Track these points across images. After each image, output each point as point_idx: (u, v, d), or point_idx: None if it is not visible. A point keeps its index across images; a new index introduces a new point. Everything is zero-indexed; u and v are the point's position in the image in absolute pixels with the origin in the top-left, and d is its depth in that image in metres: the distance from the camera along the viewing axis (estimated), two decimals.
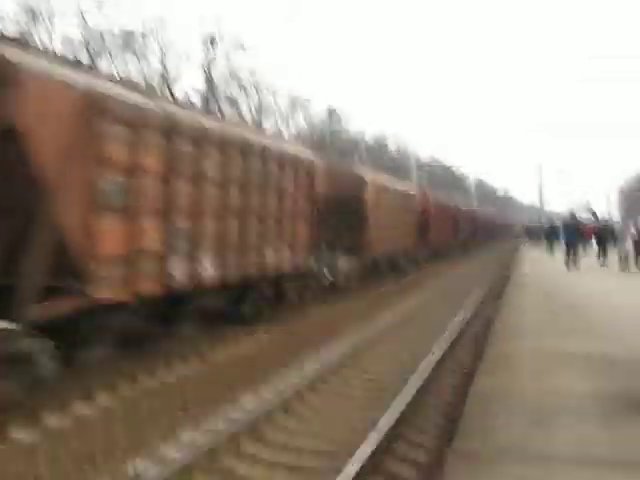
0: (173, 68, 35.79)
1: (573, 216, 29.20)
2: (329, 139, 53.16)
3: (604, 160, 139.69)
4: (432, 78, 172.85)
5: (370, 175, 20.11)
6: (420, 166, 72.17)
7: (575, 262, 23.97)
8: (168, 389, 7.83)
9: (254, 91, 41.63)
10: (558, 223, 39.32)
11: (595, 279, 19.80)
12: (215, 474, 5.39)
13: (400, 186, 24.59)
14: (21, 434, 6.10)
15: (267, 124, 43.64)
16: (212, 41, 36.11)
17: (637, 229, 23.54)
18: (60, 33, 31.18)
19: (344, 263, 17.38)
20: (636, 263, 22.71)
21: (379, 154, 66.33)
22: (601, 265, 24.71)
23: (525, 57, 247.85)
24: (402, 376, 8.39)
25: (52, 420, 6.51)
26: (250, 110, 42.68)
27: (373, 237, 19.24)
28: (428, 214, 29.82)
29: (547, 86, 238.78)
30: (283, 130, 46.16)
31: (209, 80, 37.56)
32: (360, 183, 18.43)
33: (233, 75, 38.87)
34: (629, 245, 23.84)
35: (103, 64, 31.20)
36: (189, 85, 38.48)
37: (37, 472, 5.29)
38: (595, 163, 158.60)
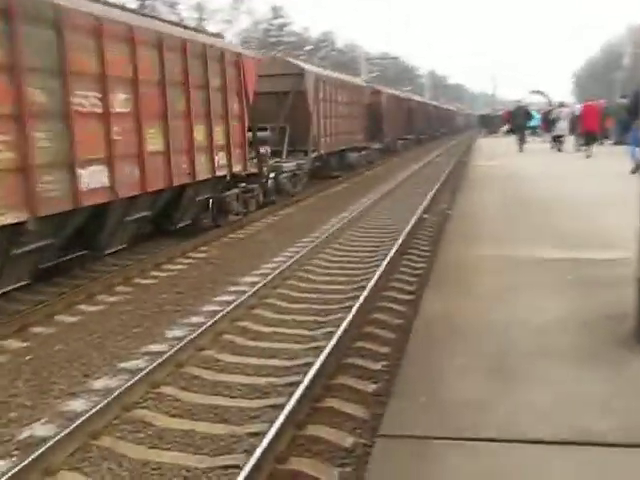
0: None
1: (519, 104, 32.29)
2: (274, 36, 51.10)
3: (558, 47, 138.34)
4: None
5: (310, 67, 18.71)
6: (370, 60, 70.22)
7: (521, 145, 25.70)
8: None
9: None
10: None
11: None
12: None
13: (347, 79, 23.15)
14: None
15: (210, 26, 41.93)
16: None
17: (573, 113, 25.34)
18: None
19: (289, 164, 16.27)
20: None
21: (327, 50, 64.33)
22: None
23: None
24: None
25: None
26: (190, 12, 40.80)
27: (319, 133, 18.06)
28: (379, 108, 28.59)
29: None
30: (226, 32, 44.22)
31: None
32: (300, 76, 17.03)
33: None
34: (563, 127, 25.06)
35: None
36: None
37: None
38: (549, 50, 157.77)
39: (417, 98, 44.91)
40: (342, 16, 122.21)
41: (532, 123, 31.00)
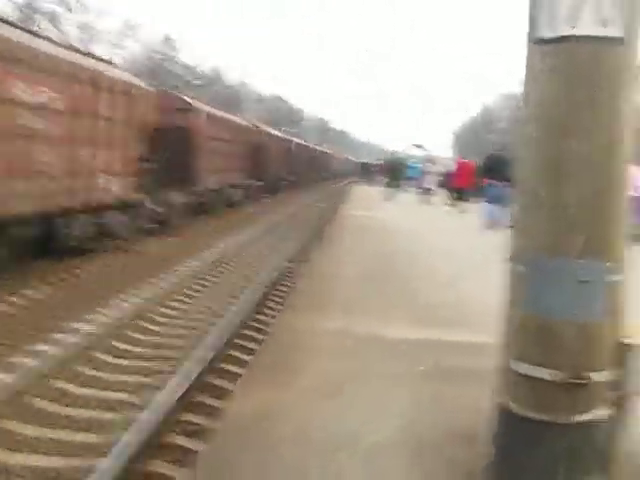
0: None
1: (394, 156, 35.21)
2: (164, 67, 50.51)
3: (440, 106, 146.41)
4: (270, 15, 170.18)
5: (197, 103, 19.31)
6: (260, 100, 71.13)
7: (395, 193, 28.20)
8: None
9: (79, 8, 37.79)
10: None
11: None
12: None
13: (232, 117, 23.94)
14: None
15: (97, 49, 39.72)
16: None
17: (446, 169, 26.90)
18: None
19: (174, 196, 16.66)
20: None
21: (216, 85, 64.30)
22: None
23: None
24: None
25: None
26: (76, 31, 39.19)
27: (201, 169, 18.59)
28: (262, 147, 29.47)
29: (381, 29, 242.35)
30: (115, 56, 43.13)
31: None
32: (186, 111, 17.59)
33: None
34: (430, 181, 27.05)
35: None
36: None
37: None
38: (433, 107, 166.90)
39: (299, 141, 46.27)
40: (233, 54, 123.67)
41: (411, 174, 32.68)
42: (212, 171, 19.70)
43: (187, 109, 17.96)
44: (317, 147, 57.33)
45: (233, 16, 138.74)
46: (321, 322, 6.59)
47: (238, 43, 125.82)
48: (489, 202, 16.36)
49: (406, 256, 11.86)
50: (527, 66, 2.76)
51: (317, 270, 10.35)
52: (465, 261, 11.07)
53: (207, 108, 20.54)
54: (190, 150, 17.77)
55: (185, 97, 19.66)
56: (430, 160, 32.20)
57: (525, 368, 2.75)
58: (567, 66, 2.62)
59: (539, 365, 2.71)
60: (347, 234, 15.02)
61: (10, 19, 12.42)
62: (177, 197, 16.86)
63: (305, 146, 48.56)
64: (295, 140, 43.97)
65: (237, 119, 25.27)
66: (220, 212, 21.17)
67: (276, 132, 35.75)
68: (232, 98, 61.07)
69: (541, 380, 2.70)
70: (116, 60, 41.52)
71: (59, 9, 36.37)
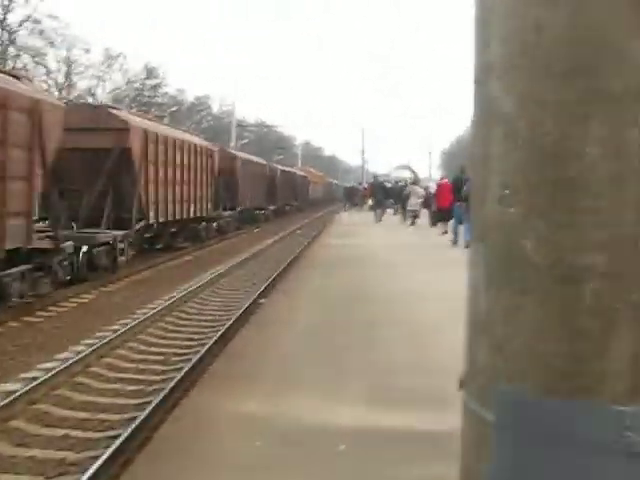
0: None
1: (377, 179, 36.48)
2: (147, 96, 49.09)
3: (427, 125, 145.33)
4: (257, 40, 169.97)
5: (138, 120, 16.28)
6: (245, 127, 69.21)
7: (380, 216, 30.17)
8: None
9: (62, 43, 36.19)
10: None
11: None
12: None
13: (191, 138, 20.81)
14: None
15: (80, 81, 40.31)
16: None
17: (426, 192, 27.85)
18: None
19: (105, 235, 13.61)
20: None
21: (202, 114, 62.96)
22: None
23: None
24: None
25: None
26: (58, 64, 38.12)
27: (149, 200, 15.55)
28: (234, 175, 26.59)
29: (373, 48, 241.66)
30: (98, 88, 42.50)
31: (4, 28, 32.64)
32: (125, 131, 14.50)
33: (34, 21, 33.23)
34: (414, 203, 27.18)
35: None
36: None
37: None
38: (419, 128, 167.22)
39: (281, 167, 42.96)
40: (218, 81, 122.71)
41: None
42: (165, 202, 16.68)
43: (125, 128, 14.80)
44: (301, 173, 54.05)
45: (216, 41, 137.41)
46: (243, 404, 5.04)
47: (222, 70, 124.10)
48: (457, 222, 17.24)
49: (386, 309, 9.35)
50: None
51: (272, 315, 9.17)
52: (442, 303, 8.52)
53: (154, 125, 17.49)
54: (132, 177, 14.73)
55: (121, 112, 16.32)
56: (415, 182, 32.26)
57: None
58: None
59: None
60: (318, 269, 13.81)
61: None
62: (115, 234, 13.87)
63: (291, 173, 45.73)
64: (280, 168, 41.01)
65: (198, 140, 21.89)
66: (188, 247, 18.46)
67: (251, 157, 32.81)
68: (220, 125, 59.51)
69: None
70: (98, 92, 40.63)
71: (40, 43, 34.79)
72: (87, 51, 38.22)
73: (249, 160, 30.89)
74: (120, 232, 14.11)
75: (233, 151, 28.62)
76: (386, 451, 4.06)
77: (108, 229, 13.95)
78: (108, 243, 13.57)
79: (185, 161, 18.42)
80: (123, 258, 14.28)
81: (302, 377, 5.73)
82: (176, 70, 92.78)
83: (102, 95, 41.83)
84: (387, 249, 17.19)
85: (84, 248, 12.57)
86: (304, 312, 9.13)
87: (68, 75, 39.45)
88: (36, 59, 35.51)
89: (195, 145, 19.95)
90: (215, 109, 67.42)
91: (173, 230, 18.63)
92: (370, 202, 36.42)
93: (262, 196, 33.05)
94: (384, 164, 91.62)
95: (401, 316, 8.30)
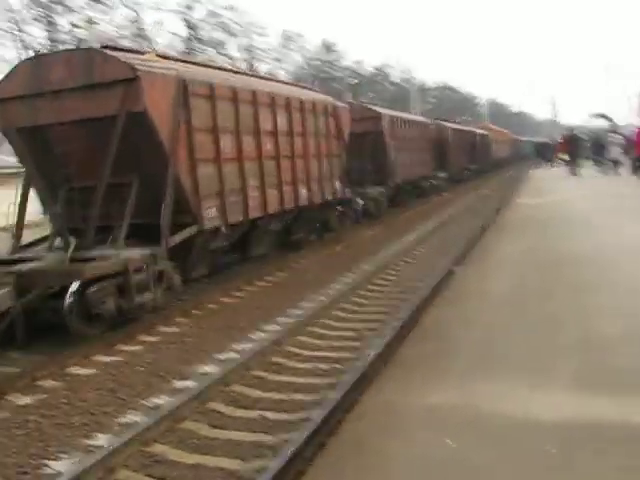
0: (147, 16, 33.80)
1: (571, 131, 34.13)
2: (326, 72, 50.99)
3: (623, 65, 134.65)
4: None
5: (385, 110, 22.59)
6: (427, 90, 69.91)
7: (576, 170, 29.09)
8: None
9: (241, 31, 39.09)
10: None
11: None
12: None
13: (415, 118, 27.07)
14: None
15: (260, 64, 41.67)
16: None
17: (625, 139, 26.97)
18: None
19: (372, 191, 20.04)
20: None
21: (381, 83, 64.28)
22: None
23: None
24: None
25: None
26: (239, 52, 40.65)
27: (393, 166, 21.83)
28: (445, 142, 32.06)
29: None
30: (278, 69, 44.44)
31: (190, 26, 36.14)
32: (377, 119, 20.97)
33: (214, 15, 36.68)
34: (613, 153, 27.02)
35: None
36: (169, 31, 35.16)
37: None
38: (613, 68, 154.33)
39: (453, 125, 38.62)
40: (396, 48, 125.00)
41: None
42: (401, 168, 22.85)
43: (377, 117, 21.27)
44: (496, 132, 55.08)
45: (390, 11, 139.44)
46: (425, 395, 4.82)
47: (400, 37, 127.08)
48: None
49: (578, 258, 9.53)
50: None
51: (465, 287, 9.20)
52: None
53: (393, 112, 23.77)
54: (383, 150, 21.11)
55: (374, 106, 22.99)
56: (613, 130, 31.48)
57: None
58: None
59: None
60: (517, 232, 14.30)
61: None
62: (374, 191, 20.24)
63: (485, 136, 47.19)
64: (477, 132, 43.77)
65: (419, 118, 28.30)
66: (411, 203, 24.45)
67: (459, 127, 37.68)
68: (398, 93, 61.75)
69: None
70: (280, 73, 42.94)
71: (222, 36, 38.24)
72: (263, 35, 39.98)
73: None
74: (380, 188, 20.53)
75: (444, 123, 33.63)
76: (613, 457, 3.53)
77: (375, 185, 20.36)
78: (373, 197, 20.02)
79: (414, 136, 24.67)
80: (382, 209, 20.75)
81: (500, 363, 5.28)
82: (353, 43, 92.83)
83: (284, 76, 40.53)
84: (586, 202, 17.49)
85: (360, 201, 19.05)
86: (500, 279, 9.10)
87: (250, 61, 40.62)
88: (219, 50, 38.07)
89: (419, 123, 26.19)
90: (395, 77, 67.50)
91: (407, 188, 24.85)
92: (565, 157, 34.23)
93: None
94: (577, 114, 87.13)
95: (616, 278, 7.68)
